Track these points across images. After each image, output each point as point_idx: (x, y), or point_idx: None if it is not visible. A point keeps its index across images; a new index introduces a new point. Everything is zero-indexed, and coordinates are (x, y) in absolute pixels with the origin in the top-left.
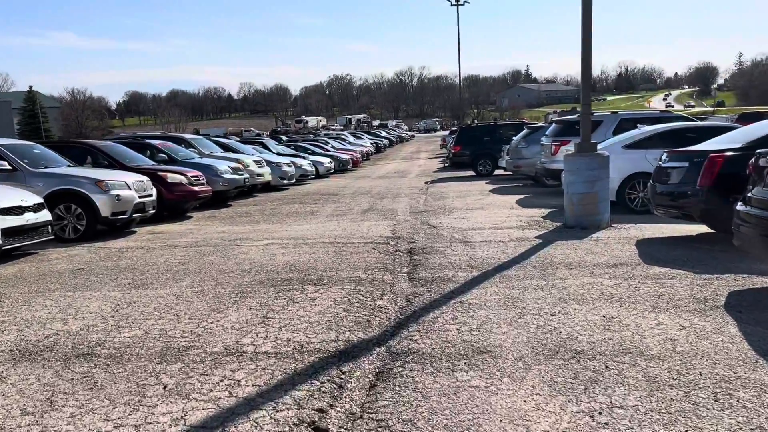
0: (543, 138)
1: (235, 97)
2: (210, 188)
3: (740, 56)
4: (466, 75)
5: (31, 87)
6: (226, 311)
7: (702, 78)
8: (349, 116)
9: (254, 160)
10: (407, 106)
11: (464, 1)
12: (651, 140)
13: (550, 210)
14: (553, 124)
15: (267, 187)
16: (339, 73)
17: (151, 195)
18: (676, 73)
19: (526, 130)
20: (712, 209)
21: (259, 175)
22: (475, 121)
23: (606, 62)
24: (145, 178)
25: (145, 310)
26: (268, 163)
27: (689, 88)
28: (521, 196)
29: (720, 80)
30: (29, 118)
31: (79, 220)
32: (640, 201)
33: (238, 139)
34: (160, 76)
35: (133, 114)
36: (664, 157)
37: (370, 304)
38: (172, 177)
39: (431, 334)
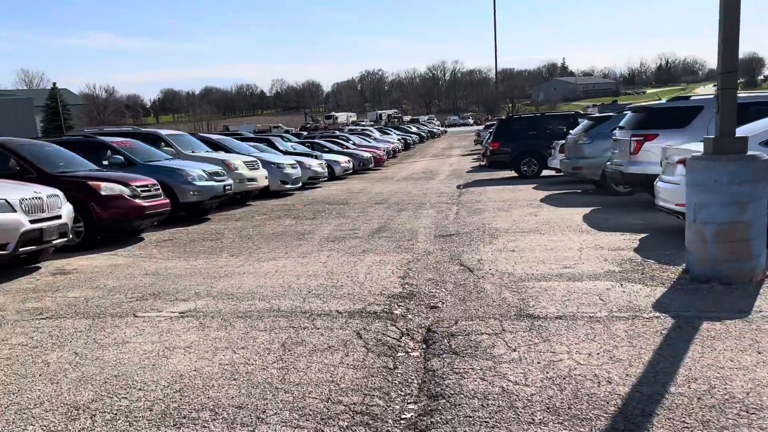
0: (616, 131)
1: (267, 94)
2: (167, 201)
3: None
4: (500, 69)
5: (54, 84)
6: None
7: (747, 69)
8: (380, 111)
9: (245, 162)
10: (440, 101)
11: None
12: None
13: (640, 235)
14: (629, 113)
15: (267, 193)
16: (371, 68)
17: (58, 217)
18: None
19: (587, 122)
20: None
21: (251, 179)
22: (512, 115)
23: (645, 55)
24: (50, 192)
25: None
26: (267, 164)
27: None
28: (587, 210)
29: (766, 71)
30: (52, 115)
31: None
32: None
33: (253, 133)
34: (195, 75)
35: (168, 111)
36: None
37: None
38: (107, 187)
39: None
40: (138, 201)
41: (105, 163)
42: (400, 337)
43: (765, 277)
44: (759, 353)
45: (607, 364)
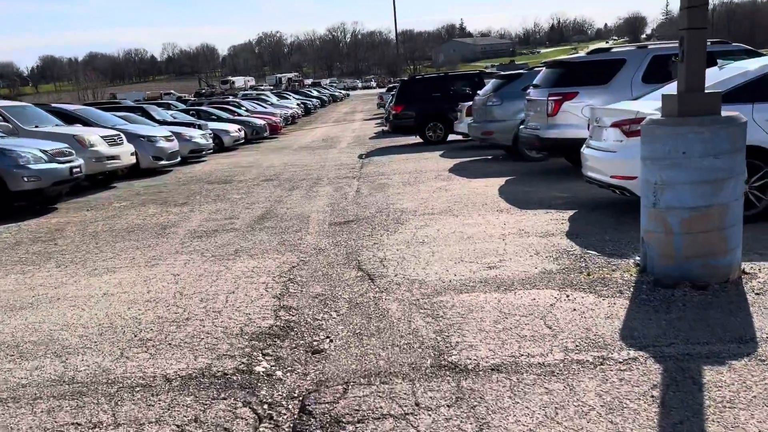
0: (530, 91)
1: (159, 59)
2: None
3: (667, 5)
4: (400, 30)
5: None
6: None
7: (631, 28)
8: (280, 75)
9: (104, 136)
10: (341, 63)
11: None
12: (760, 87)
13: (567, 213)
14: (544, 69)
15: (139, 172)
16: (268, 30)
17: None
18: (605, 24)
19: (496, 81)
20: None
21: (113, 157)
22: (414, 75)
23: (539, 15)
24: None
25: None
26: (135, 138)
27: (619, 38)
28: (501, 181)
29: (648, 30)
30: None
31: None
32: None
33: (143, 101)
34: (78, 39)
35: (49, 80)
36: None
37: None
38: None
39: None
40: None
41: None
42: (256, 429)
43: (741, 274)
44: None
45: None
